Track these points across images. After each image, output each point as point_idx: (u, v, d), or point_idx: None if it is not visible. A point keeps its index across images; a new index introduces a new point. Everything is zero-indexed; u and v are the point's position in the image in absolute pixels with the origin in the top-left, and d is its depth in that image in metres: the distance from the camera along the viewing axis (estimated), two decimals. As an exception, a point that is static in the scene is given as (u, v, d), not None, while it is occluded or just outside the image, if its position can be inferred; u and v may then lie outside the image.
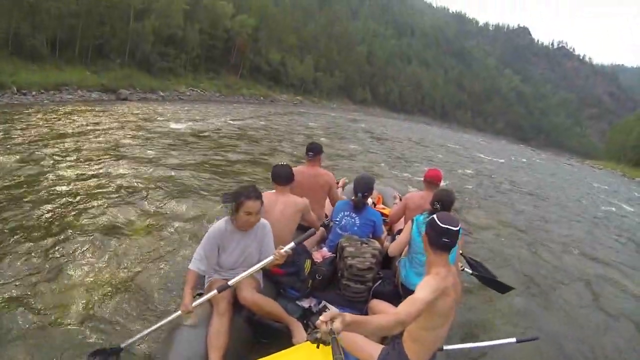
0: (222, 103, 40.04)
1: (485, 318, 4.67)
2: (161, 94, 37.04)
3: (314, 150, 4.53)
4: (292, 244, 2.80)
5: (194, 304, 2.74)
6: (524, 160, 38.11)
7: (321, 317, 1.67)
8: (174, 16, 46.23)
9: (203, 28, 52.90)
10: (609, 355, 4.50)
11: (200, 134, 15.01)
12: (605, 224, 12.86)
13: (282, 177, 3.69)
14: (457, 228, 2.24)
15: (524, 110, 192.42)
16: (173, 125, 16.78)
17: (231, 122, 20.96)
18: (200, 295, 2.92)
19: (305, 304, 3.42)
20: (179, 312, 2.72)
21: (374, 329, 1.89)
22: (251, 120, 23.70)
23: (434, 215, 2.31)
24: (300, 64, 77.46)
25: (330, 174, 4.65)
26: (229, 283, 2.79)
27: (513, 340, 2.88)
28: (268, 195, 3.58)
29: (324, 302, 3.41)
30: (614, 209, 17.07)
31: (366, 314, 3.16)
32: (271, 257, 2.79)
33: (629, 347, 4.76)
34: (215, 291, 2.75)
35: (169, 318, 2.80)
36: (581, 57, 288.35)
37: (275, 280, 3.46)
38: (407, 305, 2.02)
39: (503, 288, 3.75)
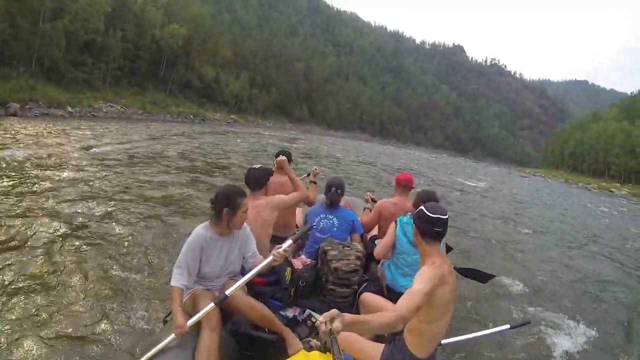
0: (143, 122, 35.42)
1: (476, 309, 4.91)
2: (70, 109, 31.86)
3: (285, 157, 4.36)
4: (289, 242, 2.84)
5: (189, 322, 2.54)
6: (469, 171, 39.09)
7: (320, 318, 1.68)
8: (93, 19, 40.98)
9: (127, 36, 48.10)
10: (599, 326, 5.07)
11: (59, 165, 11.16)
12: (571, 222, 14.99)
13: (255, 182, 3.64)
14: (447, 216, 2.28)
15: (462, 124, 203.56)
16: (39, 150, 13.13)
17: (129, 145, 17.17)
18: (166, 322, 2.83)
19: (289, 313, 3.31)
20: (172, 336, 2.49)
21: (376, 327, 1.90)
22: (152, 143, 19.52)
23: (422, 207, 2.31)
24: (235, 81, 74.27)
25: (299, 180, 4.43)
26: (227, 292, 2.66)
27: (507, 326, 2.96)
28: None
29: (308, 311, 3.27)
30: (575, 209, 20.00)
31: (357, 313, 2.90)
32: (270, 258, 2.76)
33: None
34: (212, 304, 2.60)
35: (162, 345, 2.49)
36: (512, 73, 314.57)
37: (256, 290, 3.19)
38: (407, 300, 1.99)
39: (484, 277, 3.62)
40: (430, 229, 2.25)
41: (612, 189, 59.90)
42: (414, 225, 2.35)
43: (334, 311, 1.69)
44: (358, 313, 2.98)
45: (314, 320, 3.09)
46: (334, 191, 4.01)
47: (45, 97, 31.20)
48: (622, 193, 56.13)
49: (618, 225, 18.42)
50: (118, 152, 14.15)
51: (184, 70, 60.09)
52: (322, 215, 4.04)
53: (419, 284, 2.08)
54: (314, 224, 3.97)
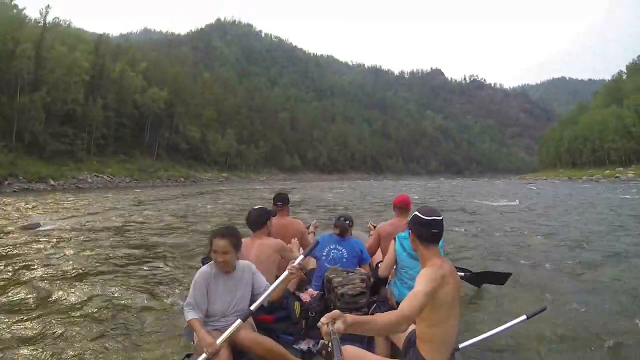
0: (131, 189, 33.48)
1: (489, 307, 4.67)
2: (52, 182, 30.33)
3: (282, 200, 4.53)
4: (301, 257, 2.91)
5: (219, 341, 2.54)
6: (475, 190, 37.00)
7: (322, 319, 1.68)
8: (72, 89, 40.25)
9: (108, 103, 46.99)
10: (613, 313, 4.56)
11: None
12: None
13: (253, 222, 3.60)
14: (441, 217, 2.30)
15: (452, 145, 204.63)
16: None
17: (104, 216, 15.15)
18: (189, 356, 2.78)
19: (303, 346, 3.23)
20: (204, 356, 2.49)
21: (378, 327, 1.89)
22: (135, 210, 17.70)
23: (416, 212, 2.32)
24: (222, 139, 73.61)
25: (300, 222, 4.68)
26: (252, 307, 2.72)
27: (524, 317, 2.87)
28: (245, 241, 3.40)
29: (322, 341, 2.47)
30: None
31: (369, 339, 2.94)
32: (287, 273, 2.80)
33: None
34: (239, 321, 2.62)
35: None
36: (493, 85, 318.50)
37: (266, 328, 3.15)
38: (409, 300, 1.99)
39: (501, 278, 3.87)
40: (427, 232, 2.24)
41: (618, 175, 59.48)
42: (410, 232, 2.33)
43: (336, 312, 1.70)
44: (372, 337, 2.88)
45: (329, 349, 2.28)
46: (343, 221, 4.12)
47: (26, 172, 29.77)
48: (629, 176, 55.95)
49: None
50: (99, 222, 12.31)
51: (169, 133, 59.16)
52: (331, 246, 4.00)
53: (420, 284, 2.07)
54: (324, 253, 3.96)
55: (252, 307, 2.71)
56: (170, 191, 32.03)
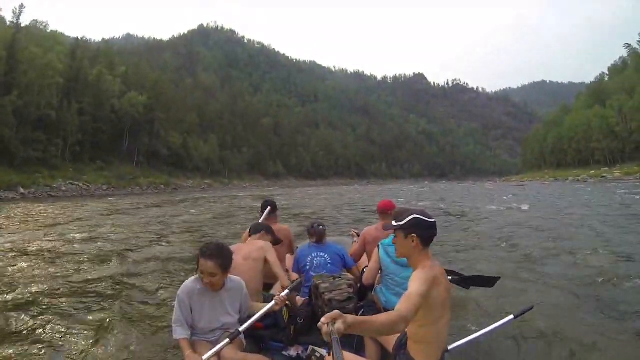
0: (106, 197, 31.89)
1: (476, 309, 4.71)
2: (22, 191, 28.69)
3: (271, 207, 4.76)
4: (286, 291, 3.01)
5: (204, 357, 2.52)
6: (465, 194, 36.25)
7: (322, 319, 1.68)
8: (46, 93, 38.47)
9: (85, 108, 45.36)
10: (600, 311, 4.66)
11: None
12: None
13: (251, 228, 3.87)
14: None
15: (436, 149, 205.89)
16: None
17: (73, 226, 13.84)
18: None
19: (292, 352, 3.28)
20: None
21: (378, 328, 1.90)
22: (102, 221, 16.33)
23: (416, 216, 2.33)
24: (204, 145, 72.21)
25: (288, 228, 4.90)
26: (240, 329, 2.73)
27: (511, 317, 2.93)
28: (236, 246, 3.66)
29: (311, 347, 3.04)
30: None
31: (358, 344, 3.07)
32: (272, 303, 2.86)
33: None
34: (227, 340, 2.61)
35: None
36: (475, 89, 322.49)
37: (255, 335, 3.23)
38: (405, 302, 2.02)
39: (489, 281, 3.46)
40: (431, 233, 2.30)
41: (604, 174, 59.69)
42: (414, 235, 2.31)
43: (336, 312, 1.71)
44: (361, 341, 2.99)
45: (318, 355, 2.84)
46: (317, 227, 4.03)
47: (-5, 181, 27.89)
48: (616, 175, 56.30)
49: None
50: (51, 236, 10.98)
51: (149, 139, 57.24)
52: (313, 254, 3.95)
53: (414, 286, 2.11)
54: (307, 263, 3.92)
55: (241, 329, 2.71)
56: (148, 199, 30.45)
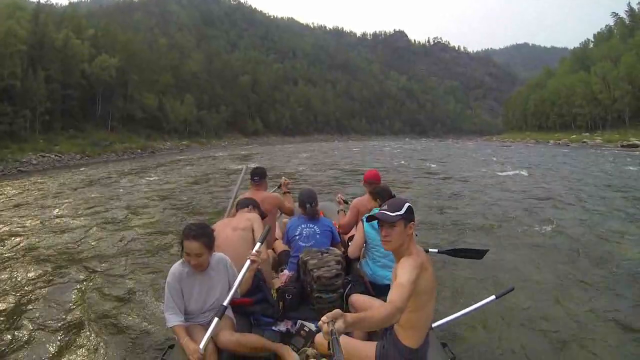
0: (81, 167, 31.10)
1: (460, 288, 4.93)
2: None
3: (259, 175, 4.75)
4: (258, 244, 3.11)
5: (201, 345, 2.54)
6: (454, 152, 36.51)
7: (323, 318, 1.71)
8: (8, 62, 36.87)
9: (52, 75, 43.69)
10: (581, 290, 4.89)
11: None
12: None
13: (239, 203, 4.07)
14: None
15: (416, 106, 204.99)
16: None
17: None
18: (172, 347, 2.81)
19: (282, 327, 3.36)
20: None
21: (376, 322, 1.95)
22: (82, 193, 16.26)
23: (409, 203, 2.39)
24: (180, 105, 70.84)
25: (277, 195, 5.12)
26: (224, 303, 2.77)
27: (493, 297, 3.02)
28: (226, 220, 4.04)
29: (300, 321, 3.31)
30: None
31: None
32: (248, 262, 2.92)
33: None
34: (216, 319, 2.66)
35: None
36: (457, 48, 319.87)
37: (245, 311, 3.30)
38: (399, 292, 2.06)
39: (478, 253, 3.81)
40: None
41: (585, 140, 60.72)
42: (413, 222, 2.37)
43: (337, 311, 1.73)
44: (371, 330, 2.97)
45: (307, 329, 3.06)
46: (310, 207, 4.13)
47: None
48: (597, 142, 57.19)
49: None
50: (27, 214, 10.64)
51: (123, 102, 55.86)
52: (303, 225, 4.09)
53: (405, 274, 2.14)
54: (297, 233, 4.05)
55: (225, 303, 2.75)
56: (124, 166, 30.07)
